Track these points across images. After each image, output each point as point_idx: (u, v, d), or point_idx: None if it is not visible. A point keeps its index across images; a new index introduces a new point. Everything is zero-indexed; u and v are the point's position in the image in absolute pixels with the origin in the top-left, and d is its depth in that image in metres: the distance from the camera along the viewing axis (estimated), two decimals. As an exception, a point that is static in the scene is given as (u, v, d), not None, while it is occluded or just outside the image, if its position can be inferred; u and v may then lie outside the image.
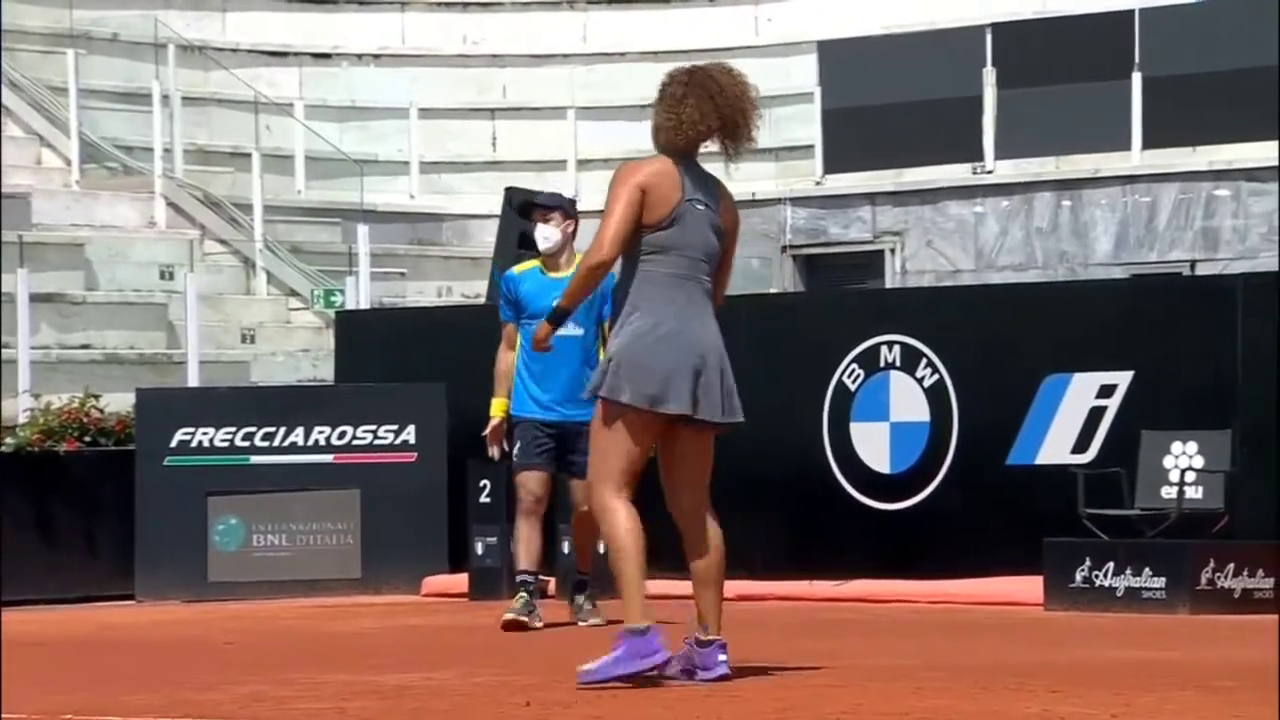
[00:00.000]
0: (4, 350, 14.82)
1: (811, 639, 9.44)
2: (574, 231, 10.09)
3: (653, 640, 7.02)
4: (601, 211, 7.14)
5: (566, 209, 10.11)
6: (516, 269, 10.29)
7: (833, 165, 18.17)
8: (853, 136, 17.91)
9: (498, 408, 10.11)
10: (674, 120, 7.07)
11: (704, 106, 7.06)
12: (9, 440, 12.75)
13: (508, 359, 10.12)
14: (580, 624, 10.47)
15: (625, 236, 7.04)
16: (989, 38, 17.65)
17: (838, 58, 18.16)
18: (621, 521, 7.01)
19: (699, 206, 7.10)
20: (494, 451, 10.23)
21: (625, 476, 7.04)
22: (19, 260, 15.18)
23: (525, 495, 10.06)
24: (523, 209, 10.45)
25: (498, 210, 15.77)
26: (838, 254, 18.01)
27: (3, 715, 6.91)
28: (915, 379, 11.81)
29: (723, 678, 7.13)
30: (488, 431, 10.16)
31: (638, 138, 19.57)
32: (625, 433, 7.02)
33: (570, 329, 9.54)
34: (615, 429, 7.03)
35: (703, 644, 7.16)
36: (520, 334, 10.02)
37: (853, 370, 11.95)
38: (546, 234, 10.00)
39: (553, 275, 9.93)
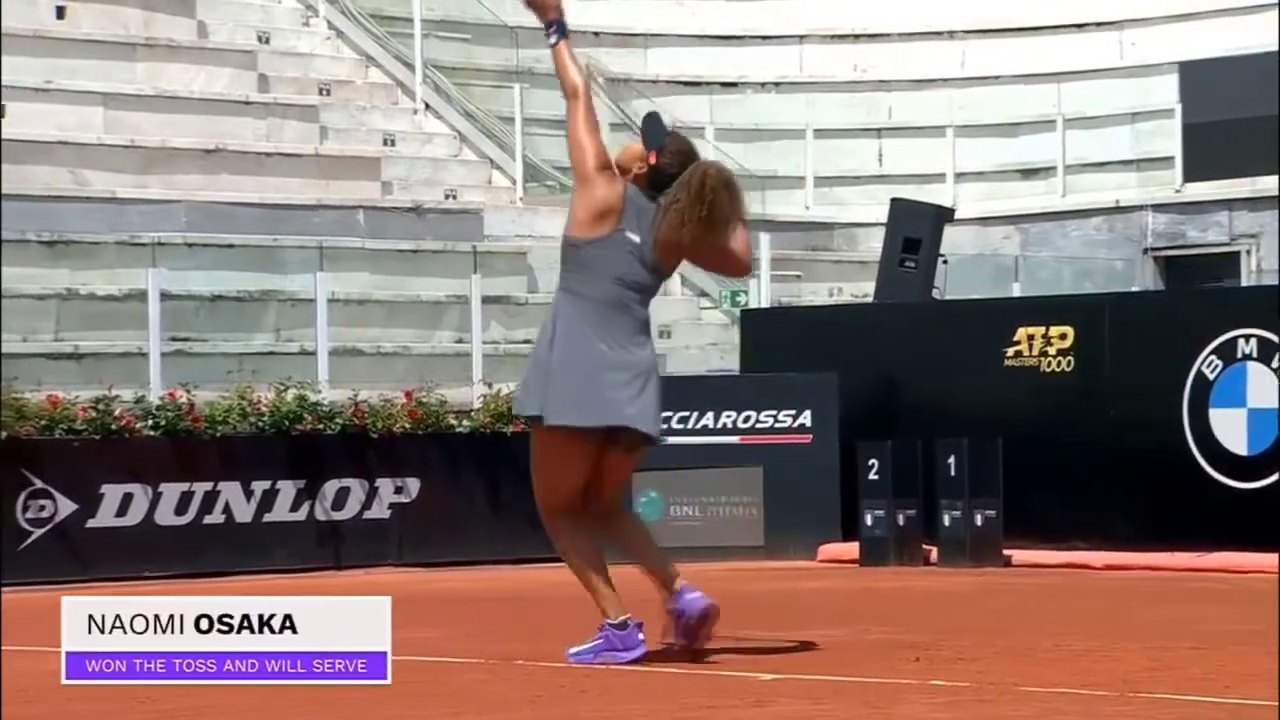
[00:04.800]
0: (460, 344, 15.21)
1: (1176, 605, 9.15)
2: None
3: (633, 634, 6.64)
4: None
5: None
6: None
7: (1192, 174, 17.59)
8: (1211, 148, 17.31)
9: None
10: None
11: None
12: (465, 423, 13.07)
13: None
14: None
15: (600, 152, 6.54)
16: (1339, 55, 16.88)
17: (1197, 77, 17.59)
18: (573, 536, 6.74)
19: (629, 235, 6.57)
20: None
21: (570, 497, 6.73)
22: (473, 267, 15.53)
23: None
24: None
25: (883, 219, 15.61)
26: (1196, 255, 17.44)
27: (460, 660, 7.05)
28: (1271, 369, 11.44)
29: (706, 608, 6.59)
30: None
31: (1010, 153, 19.30)
32: (564, 456, 6.66)
33: None
34: (555, 453, 6.68)
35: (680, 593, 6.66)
36: None
37: (1211, 361, 11.63)
38: None
39: None
